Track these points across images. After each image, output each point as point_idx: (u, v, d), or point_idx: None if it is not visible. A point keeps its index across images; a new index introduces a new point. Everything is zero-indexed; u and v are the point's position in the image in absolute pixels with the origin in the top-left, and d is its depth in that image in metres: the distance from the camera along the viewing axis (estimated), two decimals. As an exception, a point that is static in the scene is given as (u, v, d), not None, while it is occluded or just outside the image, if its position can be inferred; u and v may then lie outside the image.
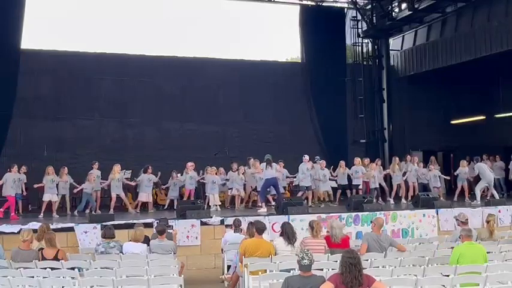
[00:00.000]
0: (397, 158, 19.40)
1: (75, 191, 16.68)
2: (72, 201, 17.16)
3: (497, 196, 17.75)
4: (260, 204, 16.65)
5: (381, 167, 19.40)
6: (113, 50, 22.34)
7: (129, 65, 21.60)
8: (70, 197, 16.77)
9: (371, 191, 18.26)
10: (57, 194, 16.15)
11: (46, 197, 15.92)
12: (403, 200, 18.54)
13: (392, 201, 18.52)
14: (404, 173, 18.90)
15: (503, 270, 8.31)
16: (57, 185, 16.22)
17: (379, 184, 18.64)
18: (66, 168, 16.65)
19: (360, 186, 18.57)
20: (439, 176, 19.01)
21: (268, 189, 16.70)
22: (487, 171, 17.78)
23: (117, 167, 16.75)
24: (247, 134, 22.48)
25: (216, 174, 17.59)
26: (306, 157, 17.93)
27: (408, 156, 19.65)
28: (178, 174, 17.74)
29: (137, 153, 20.40)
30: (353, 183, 18.63)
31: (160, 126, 22.05)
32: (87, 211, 16.24)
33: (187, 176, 17.57)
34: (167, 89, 22.08)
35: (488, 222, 11.02)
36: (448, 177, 19.91)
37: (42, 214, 15.46)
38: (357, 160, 18.87)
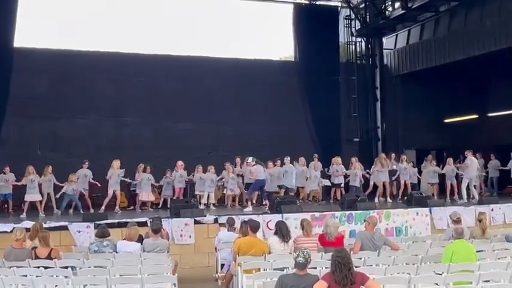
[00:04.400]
0: (382, 155, 19.39)
1: (57, 195, 16.55)
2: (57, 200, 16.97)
3: (476, 196, 17.74)
4: (246, 204, 16.69)
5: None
6: (108, 48, 22.19)
7: (125, 64, 21.49)
8: (54, 196, 16.61)
9: (350, 189, 18.39)
10: (41, 193, 16.12)
11: (27, 197, 15.87)
12: (388, 199, 18.45)
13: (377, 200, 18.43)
14: (394, 172, 18.94)
15: (496, 268, 8.36)
16: (40, 184, 16.19)
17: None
18: (50, 167, 16.60)
19: (342, 185, 18.68)
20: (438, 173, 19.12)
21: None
22: (473, 167, 17.78)
23: (116, 163, 16.73)
24: (242, 133, 22.41)
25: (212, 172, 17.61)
26: (302, 159, 18.07)
27: (393, 155, 19.65)
28: (173, 173, 17.81)
29: (133, 153, 20.13)
30: (334, 182, 18.70)
31: (156, 125, 21.94)
32: (71, 211, 16.30)
33: (176, 174, 17.61)
34: (163, 87, 22.00)
35: (480, 220, 11.07)
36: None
37: (25, 214, 15.24)
38: (337, 159, 18.90)
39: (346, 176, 18.80)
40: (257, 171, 16.37)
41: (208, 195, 17.28)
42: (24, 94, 19.81)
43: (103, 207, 16.15)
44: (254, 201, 16.79)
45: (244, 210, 15.91)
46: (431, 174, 18.89)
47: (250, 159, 16.66)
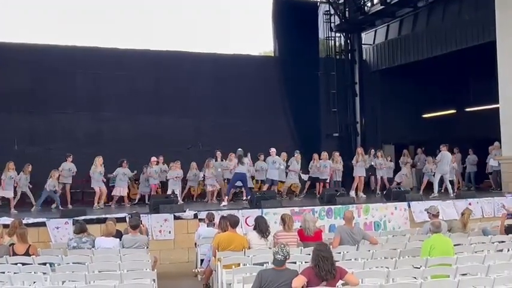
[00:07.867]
0: (360, 149, 19.48)
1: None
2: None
3: (450, 191, 17.76)
4: (223, 198, 16.63)
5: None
6: (85, 43, 22.12)
7: (103, 59, 21.29)
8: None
9: (333, 184, 18.47)
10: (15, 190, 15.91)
11: (3, 193, 15.66)
12: (361, 194, 18.42)
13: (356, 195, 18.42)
14: (371, 167, 19.04)
15: (473, 261, 8.46)
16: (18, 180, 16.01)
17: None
18: (30, 165, 16.24)
19: (328, 180, 18.72)
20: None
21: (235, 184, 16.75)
22: (445, 162, 17.76)
23: (99, 160, 16.59)
24: (221, 128, 22.24)
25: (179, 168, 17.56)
26: (273, 150, 17.99)
27: (372, 150, 19.75)
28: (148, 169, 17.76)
29: (112, 148, 19.76)
30: (320, 177, 18.70)
31: (135, 120, 21.65)
32: (53, 206, 16.12)
33: (151, 170, 17.53)
34: (141, 82, 21.78)
35: (463, 214, 11.19)
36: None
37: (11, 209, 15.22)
38: (324, 154, 18.91)
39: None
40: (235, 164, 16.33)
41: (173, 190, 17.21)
42: (2, 89, 19.57)
43: (95, 204, 16.15)
44: (231, 196, 16.75)
45: (221, 205, 15.78)
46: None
47: (238, 150, 16.58)
